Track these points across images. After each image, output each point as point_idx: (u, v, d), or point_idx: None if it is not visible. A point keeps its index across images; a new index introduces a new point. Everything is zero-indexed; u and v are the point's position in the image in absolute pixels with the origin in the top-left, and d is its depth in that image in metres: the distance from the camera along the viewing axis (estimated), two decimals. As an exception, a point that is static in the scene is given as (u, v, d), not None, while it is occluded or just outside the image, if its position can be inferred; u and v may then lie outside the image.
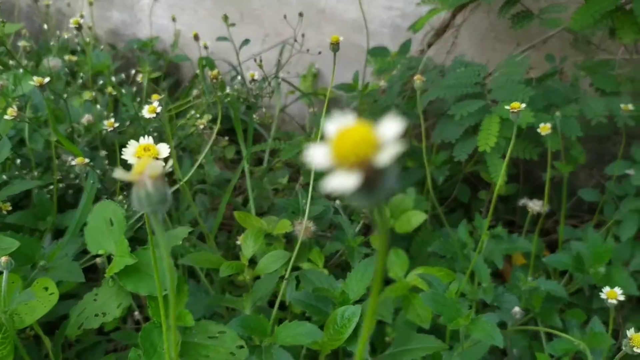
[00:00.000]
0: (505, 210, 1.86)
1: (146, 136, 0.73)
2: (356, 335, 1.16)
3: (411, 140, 1.77)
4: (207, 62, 1.77)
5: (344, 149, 0.35)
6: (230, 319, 1.17)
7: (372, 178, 0.35)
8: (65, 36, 1.79)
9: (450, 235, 1.52)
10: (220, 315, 1.32)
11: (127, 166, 0.61)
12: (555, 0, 1.66)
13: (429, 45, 1.92)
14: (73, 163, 1.23)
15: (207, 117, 1.52)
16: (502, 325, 1.31)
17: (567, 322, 1.39)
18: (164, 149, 0.69)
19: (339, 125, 0.37)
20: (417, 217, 1.52)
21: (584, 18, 1.40)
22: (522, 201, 1.50)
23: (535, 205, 1.43)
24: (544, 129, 1.35)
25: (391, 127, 0.36)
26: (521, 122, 1.37)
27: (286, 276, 1.26)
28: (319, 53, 1.79)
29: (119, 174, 0.48)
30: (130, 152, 0.68)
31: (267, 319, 1.20)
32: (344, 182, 0.34)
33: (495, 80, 1.57)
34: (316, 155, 0.36)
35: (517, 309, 1.27)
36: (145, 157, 0.64)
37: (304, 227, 1.29)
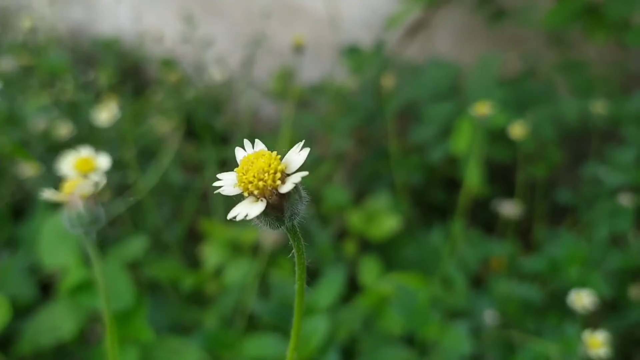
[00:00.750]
0: (484, 214, 1.83)
1: (100, 144, 0.69)
2: (327, 346, 1.13)
3: (384, 141, 1.74)
4: (169, 63, 1.72)
5: (248, 177, 0.35)
6: (196, 331, 1.13)
7: (277, 204, 0.36)
8: (20, 37, 1.73)
9: (425, 239, 1.49)
10: (186, 329, 1.28)
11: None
12: (530, 0, 1.64)
13: (404, 44, 1.88)
14: (28, 172, 1.18)
15: (171, 121, 1.47)
16: (477, 330, 1.28)
17: (542, 325, 1.37)
18: (104, 161, 0.65)
19: (246, 152, 0.36)
20: (390, 221, 1.48)
21: (555, 18, 1.39)
22: (495, 204, 1.47)
23: (507, 208, 1.41)
24: (515, 131, 1.33)
25: (297, 155, 0.37)
26: (492, 124, 1.35)
27: (253, 286, 1.22)
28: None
29: (48, 194, 0.46)
30: (67, 164, 0.64)
31: (234, 331, 1.16)
32: (248, 209, 0.35)
33: (469, 80, 1.55)
34: (225, 182, 0.37)
35: (489, 313, 1.25)
36: (76, 176, 0.60)
37: (271, 235, 1.25)
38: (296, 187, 0.37)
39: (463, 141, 1.38)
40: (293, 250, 0.40)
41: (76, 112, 1.46)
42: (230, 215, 0.35)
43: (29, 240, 1.20)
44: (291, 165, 0.37)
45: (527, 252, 1.66)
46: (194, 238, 1.52)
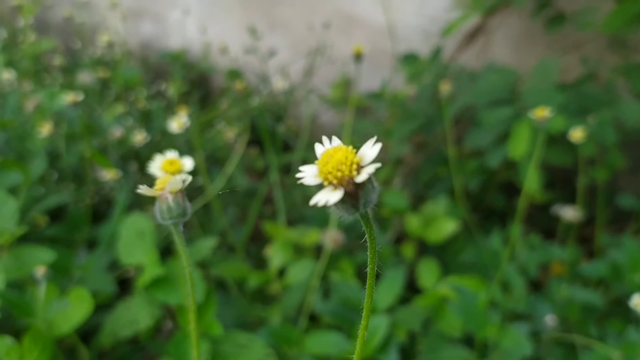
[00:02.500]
0: (542, 218, 1.82)
1: (172, 150, 0.76)
2: (387, 345, 1.16)
3: (441, 146, 1.76)
4: (235, 74, 1.79)
5: (328, 168, 0.41)
6: (260, 328, 1.18)
7: (353, 193, 0.41)
8: (98, 52, 1.84)
9: (484, 244, 1.50)
10: (250, 325, 1.34)
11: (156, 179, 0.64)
12: (589, 3, 1.62)
13: (461, 50, 1.90)
14: (106, 177, 1.27)
15: (236, 128, 1.54)
16: (537, 335, 1.28)
17: (604, 332, 1.35)
18: (188, 163, 0.72)
19: (325, 147, 0.43)
20: (449, 225, 1.50)
21: (616, 21, 1.37)
22: (555, 209, 1.47)
23: (568, 213, 1.41)
24: (576, 135, 1.32)
25: (370, 149, 0.42)
26: (551, 129, 1.35)
27: (316, 286, 1.26)
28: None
29: (143, 189, 0.52)
30: (155, 165, 0.71)
31: (297, 328, 1.21)
32: (328, 196, 0.40)
33: (527, 85, 1.55)
34: (307, 174, 0.42)
35: (549, 317, 1.25)
36: (167, 173, 0.67)
37: (332, 237, 1.29)
38: (370, 178, 0.41)
39: (521, 146, 1.39)
40: (365, 236, 0.44)
41: (149, 120, 1.55)
42: (312, 202, 0.40)
43: (107, 240, 1.29)
44: (365, 157, 0.42)
45: (588, 258, 1.64)
46: (258, 240, 1.58)
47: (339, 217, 0.43)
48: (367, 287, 0.47)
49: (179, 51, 2.25)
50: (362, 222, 0.44)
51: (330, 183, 0.41)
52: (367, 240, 0.45)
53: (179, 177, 0.52)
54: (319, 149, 0.44)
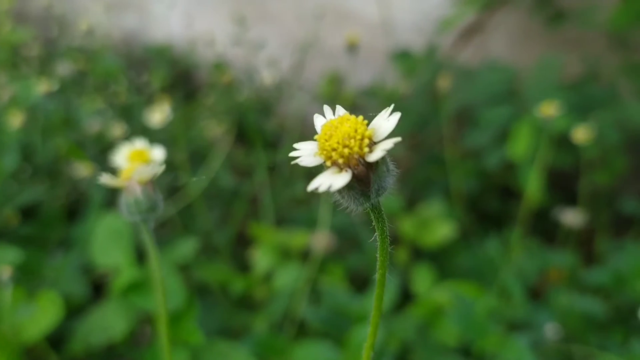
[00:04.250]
0: (543, 223, 1.76)
1: (140, 140, 0.68)
2: (380, 356, 1.10)
3: (437, 146, 1.70)
4: (221, 66, 1.72)
5: (331, 144, 0.31)
6: (245, 336, 1.11)
7: (364, 176, 0.31)
8: (77, 41, 1.76)
9: (481, 248, 1.44)
10: (234, 332, 1.27)
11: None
12: (589, 1, 1.57)
13: (457, 47, 1.84)
14: (82, 173, 1.19)
15: (222, 124, 1.47)
16: (536, 344, 1.22)
17: (606, 341, 1.29)
18: (158, 153, 0.63)
19: (328, 119, 0.32)
20: (444, 229, 1.43)
21: (621, 19, 1.32)
22: (555, 213, 1.41)
23: (569, 217, 1.35)
24: (578, 136, 1.26)
25: (385, 121, 0.32)
26: (553, 128, 1.29)
27: (304, 292, 1.19)
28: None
29: (105, 179, 0.44)
30: (121, 156, 0.63)
31: (284, 336, 1.14)
32: (332, 180, 0.30)
33: (527, 83, 1.49)
34: (304, 152, 0.32)
35: (550, 326, 1.19)
36: (134, 162, 0.58)
37: (322, 240, 1.22)
38: (384, 158, 0.32)
39: (521, 146, 1.33)
40: (376, 234, 0.35)
41: (129, 114, 1.48)
42: (311, 187, 0.30)
43: (82, 241, 1.21)
44: (379, 131, 0.32)
45: (589, 264, 1.58)
46: (243, 242, 1.51)
47: (346, 209, 0.34)
48: (375, 297, 0.38)
49: (163, 46, 2.17)
50: (372, 216, 0.34)
51: (334, 163, 0.31)
52: (378, 239, 0.35)
53: (149, 166, 0.44)
54: (318, 120, 0.35)
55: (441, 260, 1.48)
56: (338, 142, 0.31)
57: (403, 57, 1.78)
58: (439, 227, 1.44)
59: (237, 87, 1.64)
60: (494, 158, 1.47)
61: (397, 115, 0.32)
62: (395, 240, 1.52)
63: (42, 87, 1.08)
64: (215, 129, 1.46)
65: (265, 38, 1.70)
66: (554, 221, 1.53)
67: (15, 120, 1.10)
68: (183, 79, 2.21)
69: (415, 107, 1.65)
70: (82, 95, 1.49)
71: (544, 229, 1.67)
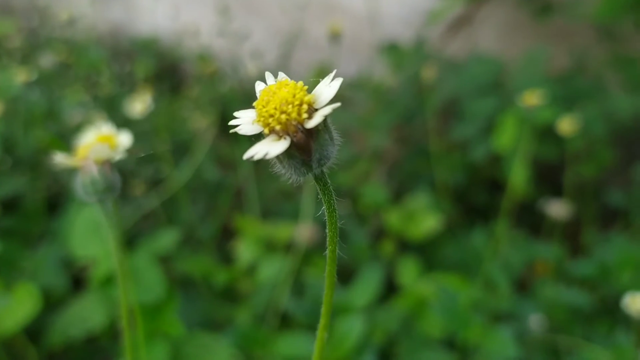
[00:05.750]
0: (529, 215, 1.76)
1: (107, 124, 0.66)
2: (363, 347, 1.09)
3: (424, 139, 1.69)
4: (206, 57, 1.70)
5: (269, 110, 0.30)
6: (228, 328, 1.10)
7: (304, 144, 0.30)
8: (58, 30, 1.74)
9: (467, 240, 1.43)
10: (217, 325, 1.25)
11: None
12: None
13: (445, 40, 1.83)
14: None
15: (206, 116, 1.45)
16: (521, 335, 1.22)
17: (591, 333, 1.29)
18: (125, 138, 0.62)
19: (267, 85, 0.31)
20: (430, 221, 1.42)
21: (607, 10, 1.32)
22: (541, 205, 1.40)
23: (554, 209, 1.34)
24: (564, 128, 1.26)
25: (327, 87, 0.31)
26: (538, 119, 1.28)
27: (288, 284, 1.19)
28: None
29: (60, 158, 0.43)
30: (87, 141, 0.60)
31: (266, 329, 1.13)
32: (269, 148, 0.29)
33: (513, 76, 1.49)
34: (243, 120, 0.31)
35: (535, 318, 1.18)
36: (91, 142, 0.56)
37: (306, 232, 1.21)
38: (326, 126, 0.31)
39: (507, 137, 1.32)
40: (323, 207, 0.34)
41: (112, 106, 1.46)
42: (247, 155, 0.29)
43: (63, 233, 1.19)
44: (320, 98, 0.31)
45: (574, 256, 1.58)
46: (227, 235, 1.49)
47: (290, 182, 0.32)
48: (326, 274, 0.37)
49: (149, 39, 2.15)
50: (317, 186, 0.33)
51: (272, 130, 0.30)
52: (325, 211, 0.34)
53: (106, 145, 0.43)
54: (259, 86, 0.33)
55: (427, 253, 1.48)
56: (275, 108, 0.30)
57: (391, 50, 1.77)
58: (425, 219, 1.43)
59: (222, 78, 1.62)
60: (480, 150, 1.46)
61: (339, 81, 0.31)
62: (381, 233, 1.52)
63: (21, 76, 1.06)
64: (199, 121, 1.45)
65: (251, 29, 1.68)
66: (540, 213, 1.52)
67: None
68: (169, 71, 2.19)
69: (401, 100, 1.64)
70: (65, 87, 1.47)
71: (530, 221, 1.67)
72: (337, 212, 0.34)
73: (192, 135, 1.43)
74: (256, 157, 0.29)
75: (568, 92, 1.50)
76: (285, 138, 0.30)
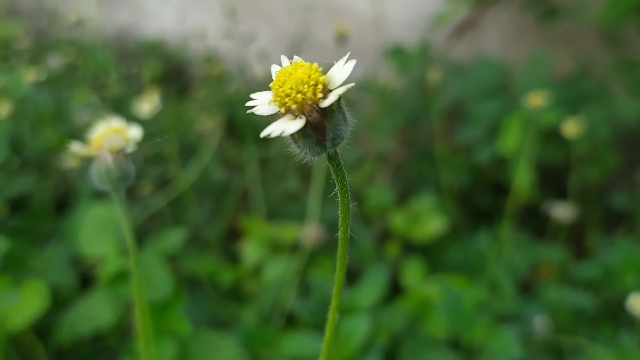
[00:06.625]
0: (533, 218, 1.76)
1: (118, 119, 0.67)
2: (368, 347, 1.09)
3: (429, 142, 1.69)
4: (212, 59, 1.71)
5: (285, 90, 0.31)
6: (234, 327, 1.11)
7: (319, 124, 0.32)
8: (67, 32, 1.76)
9: (471, 243, 1.43)
10: (223, 324, 1.26)
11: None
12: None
13: (450, 44, 1.84)
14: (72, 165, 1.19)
15: (213, 118, 1.47)
16: (526, 336, 1.22)
17: (595, 335, 1.29)
18: (136, 132, 0.62)
19: (283, 66, 0.32)
20: (435, 223, 1.43)
21: (611, 14, 1.32)
22: (545, 208, 1.41)
23: (559, 212, 1.35)
24: (569, 130, 1.26)
25: (341, 68, 0.32)
26: (543, 122, 1.29)
27: (294, 284, 1.19)
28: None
29: (75, 147, 0.44)
30: (97, 134, 0.61)
31: (273, 327, 1.14)
32: (285, 126, 0.31)
33: (518, 79, 1.50)
34: (260, 102, 0.33)
35: (539, 319, 1.19)
36: (105, 132, 0.57)
37: (312, 233, 1.22)
38: (340, 107, 0.33)
39: (511, 140, 1.33)
40: (336, 188, 0.35)
41: (120, 106, 1.47)
42: (264, 133, 0.31)
43: (71, 232, 1.20)
44: (335, 79, 0.32)
45: (579, 258, 1.58)
46: (234, 235, 1.50)
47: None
48: (339, 256, 0.38)
49: (155, 41, 2.16)
50: (330, 167, 0.34)
51: (288, 110, 0.32)
52: (338, 193, 0.35)
53: (120, 135, 0.44)
54: (274, 69, 0.35)
55: (432, 255, 1.48)
56: (291, 88, 0.31)
57: (396, 53, 1.78)
58: (429, 221, 1.44)
59: (228, 80, 1.63)
60: (485, 153, 1.47)
61: (353, 63, 0.33)
62: (386, 234, 1.52)
63: (29, 76, 1.07)
64: (206, 122, 1.46)
65: (257, 32, 1.69)
66: (544, 216, 1.53)
67: (3, 110, 1.09)
68: (176, 74, 2.20)
69: (407, 103, 1.65)
70: (73, 88, 1.49)
71: (535, 223, 1.67)
72: (349, 192, 0.35)
73: (199, 137, 1.44)
74: (272, 135, 0.30)
75: (572, 95, 1.51)
76: (300, 117, 0.31)
